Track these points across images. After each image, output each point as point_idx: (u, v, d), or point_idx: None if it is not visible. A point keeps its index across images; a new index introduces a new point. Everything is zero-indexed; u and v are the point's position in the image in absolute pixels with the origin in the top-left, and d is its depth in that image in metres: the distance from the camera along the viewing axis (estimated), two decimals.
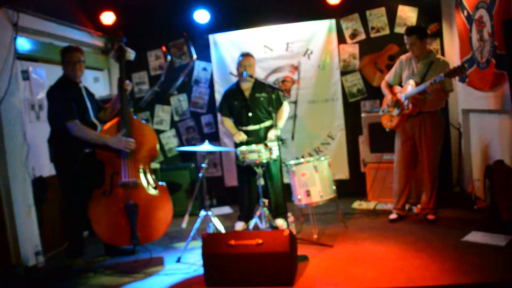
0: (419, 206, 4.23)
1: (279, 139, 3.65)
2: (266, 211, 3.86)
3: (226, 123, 4.41)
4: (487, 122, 4.27)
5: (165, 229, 3.70)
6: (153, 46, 5.59)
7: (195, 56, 5.50)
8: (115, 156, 3.65)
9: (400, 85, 4.12)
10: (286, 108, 4.38)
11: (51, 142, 3.67)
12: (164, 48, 5.51)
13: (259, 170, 3.87)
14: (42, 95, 4.26)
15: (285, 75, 5.39)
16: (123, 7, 5.23)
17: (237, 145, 4.23)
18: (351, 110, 5.31)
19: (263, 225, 3.85)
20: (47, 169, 4.09)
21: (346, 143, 5.33)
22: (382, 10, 5.16)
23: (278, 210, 4.29)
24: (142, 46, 5.48)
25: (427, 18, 4.97)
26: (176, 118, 5.68)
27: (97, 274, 3.49)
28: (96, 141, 3.59)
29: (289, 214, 3.67)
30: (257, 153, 3.78)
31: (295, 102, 5.38)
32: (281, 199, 4.27)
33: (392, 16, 5.14)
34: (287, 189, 4.35)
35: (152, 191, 3.72)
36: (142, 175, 3.72)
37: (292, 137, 5.40)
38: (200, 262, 3.24)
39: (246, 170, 4.23)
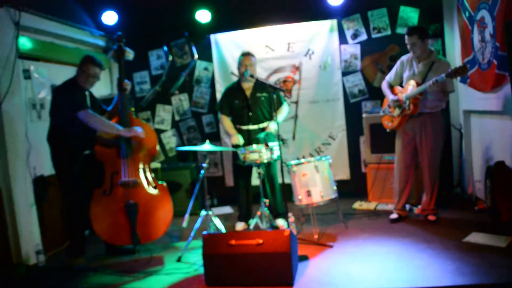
0: (419, 206, 4.22)
1: (280, 139, 3.65)
2: (266, 211, 3.86)
3: (225, 122, 4.40)
4: (488, 123, 4.26)
5: (166, 229, 3.71)
6: (154, 45, 5.60)
7: (196, 56, 5.51)
8: (115, 155, 3.66)
9: (401, 85, 4.12)
10: (285, 108, 4.39)
11: (50, 140, 3.68)
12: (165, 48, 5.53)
13: (260, 170, 3.87)
14: (43, 94, 4.26)
15: (286, 75, 5.39)
16: (125, 7, 5.24)
17: (233, 146, 4.24)
18: (352, 111, 5.30)
19: (263, 225, 3.85)
20: (48, 168, 4.09)
21: (347, 143, 5.34)
22: (384, 10, 5.15)
23: (277, 210, 4.29)
24: (144, 45, 5.50)
25: (428, 18, 4.99)
26: (177, 118, 5.68)
27: (97, 273, 3.50)
28: (109, 128, 3.59)
29: (289, 214, 3.67)
30: (258, 153, 3.79)
31: (296, 102, 5.39)
32: (280, 199, 4.28)
33: (393, 17, 5.13)
34: (288, 189, 4.35)
35: (152, 191, 3.72)
36: (142, 175, 3.72)
37: (293, 137, 5.40)
38: (201, 261, 3.24)
39: (242, 170, 4.23)
